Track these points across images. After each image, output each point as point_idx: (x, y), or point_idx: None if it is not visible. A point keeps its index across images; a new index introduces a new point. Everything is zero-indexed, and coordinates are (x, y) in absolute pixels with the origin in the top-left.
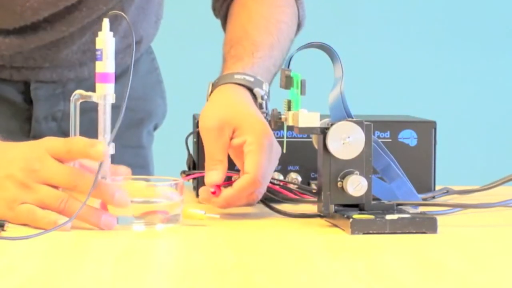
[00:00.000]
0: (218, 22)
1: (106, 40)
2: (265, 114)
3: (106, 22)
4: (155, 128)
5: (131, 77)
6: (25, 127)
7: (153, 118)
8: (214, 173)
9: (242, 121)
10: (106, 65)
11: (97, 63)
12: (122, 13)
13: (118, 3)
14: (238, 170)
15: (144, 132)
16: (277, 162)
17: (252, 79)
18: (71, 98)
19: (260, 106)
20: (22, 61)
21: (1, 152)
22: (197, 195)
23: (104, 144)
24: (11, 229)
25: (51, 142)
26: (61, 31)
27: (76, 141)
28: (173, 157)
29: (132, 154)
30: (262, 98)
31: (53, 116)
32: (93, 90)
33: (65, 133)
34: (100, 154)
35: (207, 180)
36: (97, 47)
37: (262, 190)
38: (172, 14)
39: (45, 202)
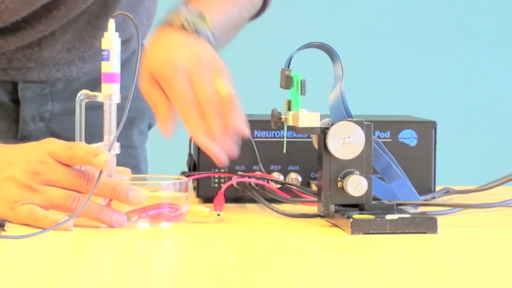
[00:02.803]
0: None
1: (112, 40)
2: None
3: (111, 23)
4: (150, 127)
5: (135, 81)
6: (13, 127)
7: (145, 117)
8: None
9: None
10: (112, 65)
11: (103, 63)
12: (128, 14)
13: (99, 1)
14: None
15: (135, 132)
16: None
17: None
18: (77, 98)
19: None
20: (7, 62)
21: (1, 154)
22: (197, 195)
23: (106, 153)
24: (11, 229)
25: (52, 146)
26: (41, 30)
27: (78, 148)
28: (169, 157)
29: (123, 154)
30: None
31: (40, 116)
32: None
33: (53, 134)
34: (103, 164)
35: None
36: (103, 47)
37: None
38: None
39: (54, 202)
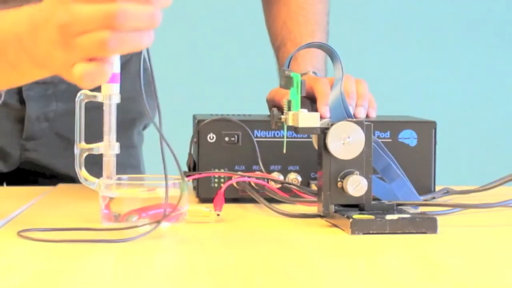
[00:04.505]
0: (214, 22)
1: None
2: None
3: None
4: (144, 128)
5: (142, 82)
6: (18, 127)
7: (144, 118)
8: None
9: None
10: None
11: None
12: None
13: None
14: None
15: (135, 132)
16: None
17: None
18: (76, 98)
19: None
20: None
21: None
22: (197, 195)
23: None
24: (11, 229)
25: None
26: None
27: None
28: (169, 157)
29: (125, 154)
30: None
31: (45, 116)
32: None
33: (57, 134)
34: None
35: None
36: None
37: None
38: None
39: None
